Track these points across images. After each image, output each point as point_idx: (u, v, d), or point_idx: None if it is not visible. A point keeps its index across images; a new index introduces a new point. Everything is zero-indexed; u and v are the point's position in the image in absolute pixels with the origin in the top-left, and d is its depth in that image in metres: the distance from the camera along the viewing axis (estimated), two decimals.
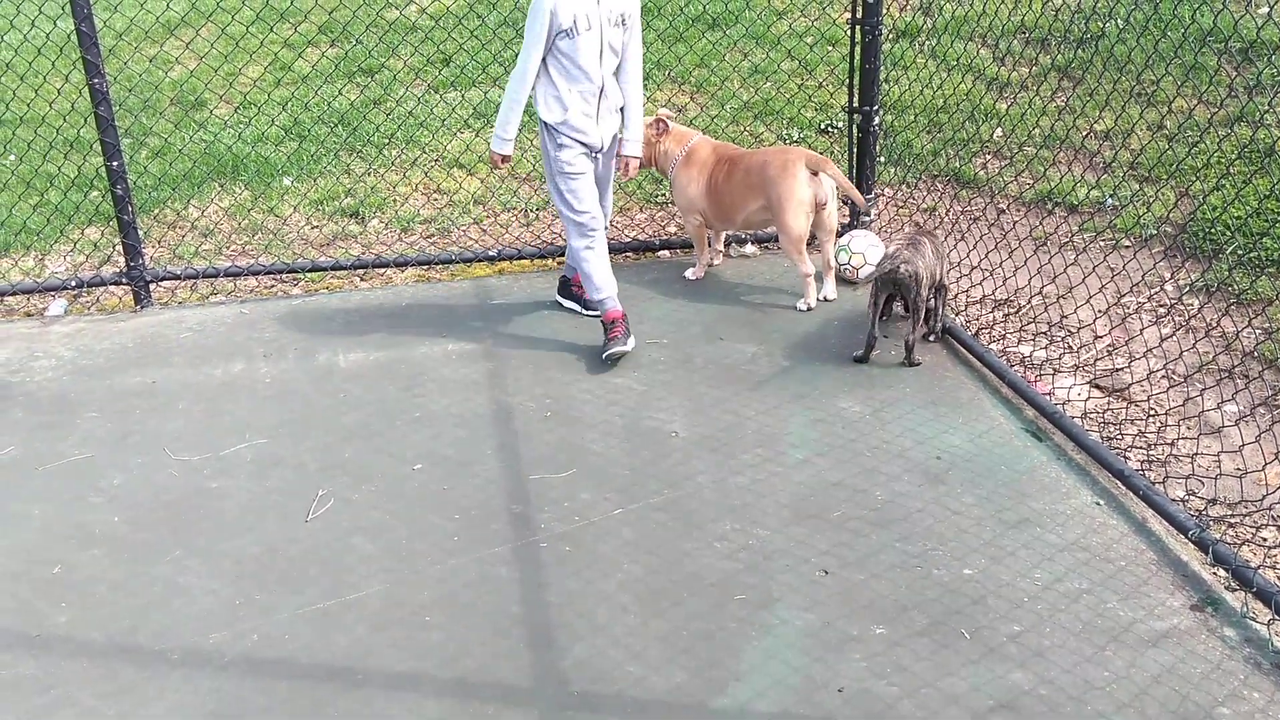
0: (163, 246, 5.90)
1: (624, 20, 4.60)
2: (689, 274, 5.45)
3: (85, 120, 5.57)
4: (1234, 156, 5.25)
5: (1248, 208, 4.95)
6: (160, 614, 3.32)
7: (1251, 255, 4.78)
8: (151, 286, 5.49)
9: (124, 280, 5.43)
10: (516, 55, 4.61)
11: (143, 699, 3.01)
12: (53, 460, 4.13)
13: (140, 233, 5.42)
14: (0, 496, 3.92)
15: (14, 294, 5.53)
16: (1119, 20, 6.20)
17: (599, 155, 4.80)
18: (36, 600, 3.40)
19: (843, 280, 5.29)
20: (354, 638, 3.19)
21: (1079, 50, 6.28)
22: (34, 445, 4.24)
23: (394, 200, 6.27)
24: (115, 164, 5.19)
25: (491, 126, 6.65)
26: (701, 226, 5.32)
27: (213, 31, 6.96)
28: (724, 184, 5.14)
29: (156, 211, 6.15)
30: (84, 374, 4.76)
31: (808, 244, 5.10)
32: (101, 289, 5.60)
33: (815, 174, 4.98)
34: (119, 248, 5.48)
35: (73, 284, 5.48)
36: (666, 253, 5.85)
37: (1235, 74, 5.62)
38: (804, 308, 5.13)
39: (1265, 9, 5.67)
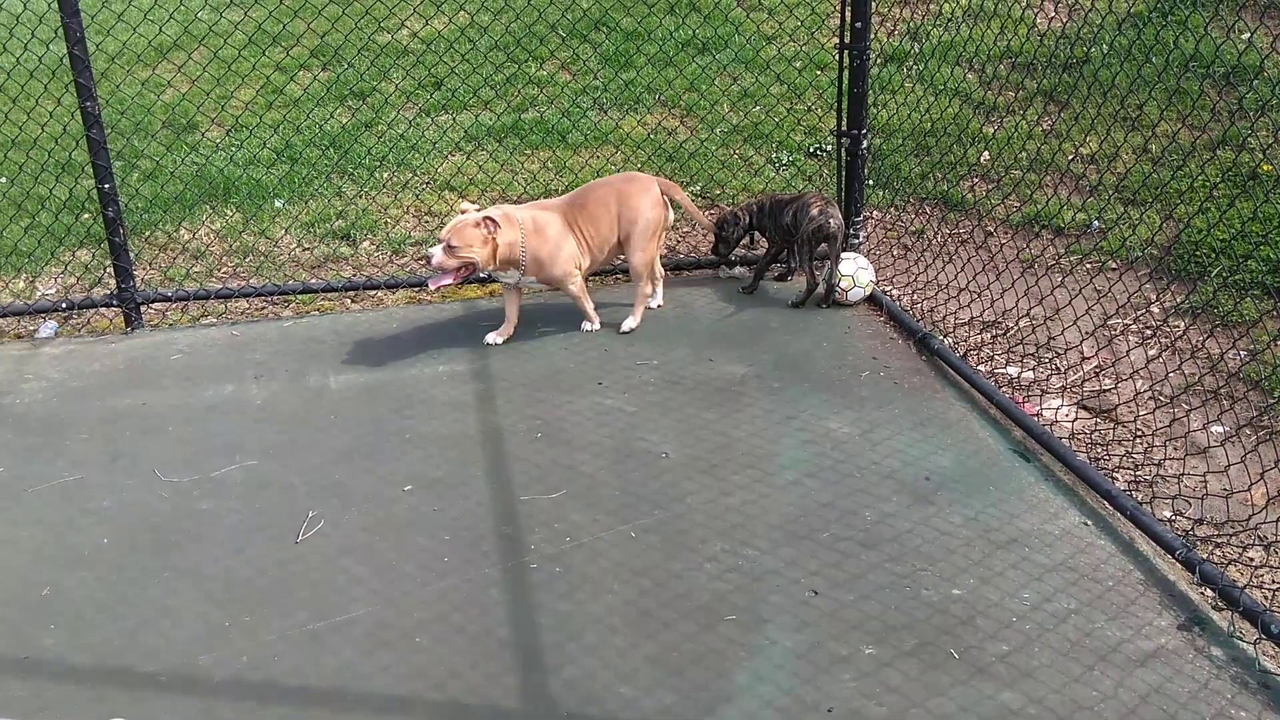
0: (154, 268, 5.90)
1: None
2: (590, 324, 5.20)
3: (77, 143, 5.59)
4: (1218, 180, 5.30)
5: (1232, 230, 5.00)
6: (149, 636, 3.31)
7: (1236, 277, 4.82)
8: (142, 308, 5.49)
9: (115, 302, 5.44)
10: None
11: None
12: (42, 482, 4.12)
13: (131, 255, 5.44)
14: None
15: (4, 316, 5.52)
16: (1104, 46, 6.27)
17: None
18: (25, 623, 3.39)
19: (836, 303, 5.33)
20: (343, 660, 3.18)
21: (1064, 75, 6.34)
22: (23, 467, 4.23)
23: (385, 222, 6.29)
24: (107, 186, 5.21)
25: (483, 149, 6.73)
26: (582, 282, 5.14)
27: (205, 55, 6.99)
28: (587, 228, 5.05)
29: (148, 234, 6.16)
30: (74, 395, 4.75)
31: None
32: (92, 311, 5.61)
33: (665, 198, 5.15)
34: (110, 270, 5.49)
35: (63, 306, 5.48)
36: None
37: (1218, 98, 5.68)
38: (628, 328, 5.13)
39: (1247, 35, 5.73)
